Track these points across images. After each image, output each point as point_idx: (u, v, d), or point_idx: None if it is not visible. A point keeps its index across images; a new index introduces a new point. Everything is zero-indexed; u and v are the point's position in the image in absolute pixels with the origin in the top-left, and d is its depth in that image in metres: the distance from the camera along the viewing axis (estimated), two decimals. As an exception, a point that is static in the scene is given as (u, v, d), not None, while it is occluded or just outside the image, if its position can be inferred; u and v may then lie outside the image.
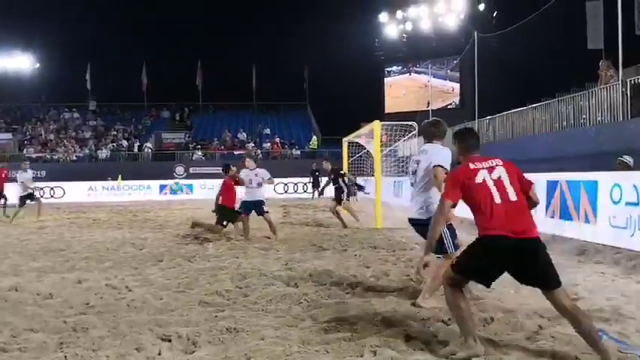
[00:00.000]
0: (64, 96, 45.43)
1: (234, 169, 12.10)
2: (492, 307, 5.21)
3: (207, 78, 45.79)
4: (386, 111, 40.69)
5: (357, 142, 19.64)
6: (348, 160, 20.52)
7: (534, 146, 17.91)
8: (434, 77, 37.52)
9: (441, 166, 5.40)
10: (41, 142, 37.73)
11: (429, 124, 6.06)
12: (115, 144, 37.21)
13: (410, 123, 15.22)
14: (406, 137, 15.52)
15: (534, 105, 19.11)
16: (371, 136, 15.35)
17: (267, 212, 11.56)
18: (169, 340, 4.42)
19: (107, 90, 45.63)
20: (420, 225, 5.47)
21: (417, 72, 41.20)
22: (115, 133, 38.95)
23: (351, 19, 47.69)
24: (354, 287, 6.33)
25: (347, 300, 5.72)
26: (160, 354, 4.18)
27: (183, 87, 46.68)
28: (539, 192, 10.42)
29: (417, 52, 40.43)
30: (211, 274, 7.34)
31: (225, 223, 11.51)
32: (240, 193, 11.71)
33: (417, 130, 15.13)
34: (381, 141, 14.51)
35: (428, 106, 32.80)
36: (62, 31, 48.47)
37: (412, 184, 5.81)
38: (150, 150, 36.60)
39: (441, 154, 5.57)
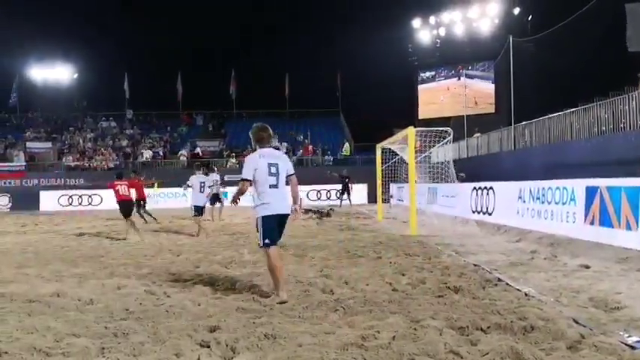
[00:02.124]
0: (102, 105, 46.51)
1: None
2: (532, 316, 5.11)
3: (241, 86, 46.32)
4: (419, 117, 40.46)
5: (390, 149, 19.57)
6: (382, 166, 20.45)
7: (572, 152, 17.60)
8: (470, 82, 37.15)
9: (294, 174, 6.66)
10: (79, 151, 38.51)
11: (261, 129, 6.61)
12: (151, 151, 37.73)
13: (445, 129, 15.06)
14: (441, 143, 15.38)
15: (572, 110, 18.76)
16: (405, 142, 15.27)
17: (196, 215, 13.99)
18: (208, 346, 4.46)
19: (144, 99, 46.55)
20: (287, 217, 6.55)
21: (450, 77, 40.88)
22: (150, 141, 39.50)
23: (383, 25, 47.79)
24: (390, 295, 6.29)
25: (384, 307, 5.69)
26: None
27: (218, 96, 47.32)
28: (578, 198, 10.25)
29: (451, 57, 40.15)
30: (248, 280, 7.40)
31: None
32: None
33: (451, 137, 14.99)
34: (415, 147, 14.40)
35: (462, 112, 32.51)
36: (100, 41, 49.59)
37: (274, 185, 6.35)
38: (185, 158, 37.04)
39: (287, 159, 6.71)
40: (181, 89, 45.89)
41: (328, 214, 19.70)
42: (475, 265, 8.26)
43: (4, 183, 33.94)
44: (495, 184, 14.97)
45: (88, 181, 33.44)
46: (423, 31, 41.27)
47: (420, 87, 42.70)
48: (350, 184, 28.19)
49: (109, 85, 47.47)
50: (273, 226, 6.36)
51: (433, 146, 15.81)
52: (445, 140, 15.00)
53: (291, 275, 7.61)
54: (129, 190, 14.49)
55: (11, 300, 6.37)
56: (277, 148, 22.18)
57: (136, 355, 4.30)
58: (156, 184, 32.24)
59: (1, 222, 19.56)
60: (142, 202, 18.17)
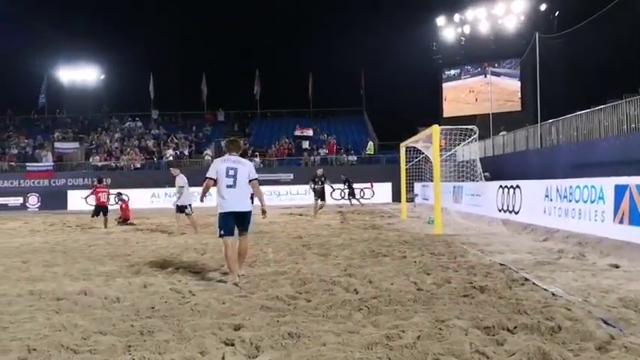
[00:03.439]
0: (128, 105, 47.12)
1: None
2: (560, 316, 5.03)
3: (265, 86, 46.52)
4: (444, 115, 40.19)
5: (414, 147, 19.45)
6: (406, 165, 20.34)
7: (600, 150, 17.29)
8: (495, 80, 36.76)
9: (257, 178, 7.75)
10: (106, 151, 39.02)
11: (230, 142, 8.12)
12: (176, 151, 38.06)
13: (470, 127, 14.90)
14: (466, 141, 15.22)
15: (600, 107, 18.44)
16: (429, 140, 15.16)
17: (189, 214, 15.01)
18: (232, 345, 4.48)
19: (169, 99, 47.04)
20: (248, 214, 7.67)
21: (476, 75, 40.50)
22: (176, 141, 39.85)
23: (407, 23, 47.55)
24: (415, 294, 6.24)
25: (408, 307, 5.65)
26: (223, 358, 4.23)
27: (242, 96, 47.58)
28: (607, 197, 10.06)
29: (476, 55, 39.80)
30: (272, 279, 7.41)
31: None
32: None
33: (477, 135, 14.83)
34: (440, 145, 14.29)
35: (487, 110, 32.17)
36: (126, 43, 50.20)
37: (231, 186, 7.40)
38: (210, 157, 37.29)
39: (252, 166, 7.83)
40: (206, 89, 46.29)
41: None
42: (501, 264, 8.17)
43: (34, 183, 34.54)
44: (521, 183, 14.77)
45: (115, 180, 33.91)
46: (448, 29, 40.97)
47: (445, 85, 42.40)
48: (352, 185, 28.52)
49: (134, 85, 48.09)
50: (227, 221, 7.42)
51: (458, 144, 15.67)
52: (471, 138, 14.85)
53: (314, 274, 7.62)
54: (107, 197, 17.83)
55: (40, 297, 6.48)
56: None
57: (162, 352, 4.33)
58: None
59: (30, 221, 19.90)
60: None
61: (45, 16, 50.59)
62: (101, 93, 48.85)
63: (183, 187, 14.80)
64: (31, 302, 6.25)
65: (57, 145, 38.88)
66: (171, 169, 15.98)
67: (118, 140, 41.11)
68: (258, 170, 27.59)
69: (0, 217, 19.16)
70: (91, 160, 37.37)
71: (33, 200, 33.07)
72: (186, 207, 14.94)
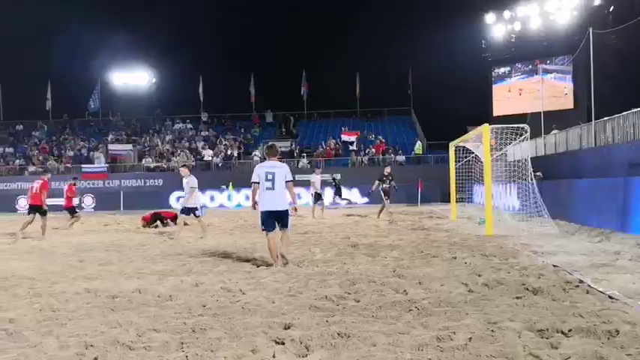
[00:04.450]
0: (178, 108, 48.10)
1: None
2: (617, 319, 4.88)
3: (312, 87, 46.74)
4: (494, 114, 39.48)
5: (464, 147, 19.18)
6: (455, 165, 20.08)
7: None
8: (547, 78, 35.89)
9: (292, 180, 8.80)
10: (157, 153, 39.88)
11: (269, 148, 9.33)
12: (225, 153, 38.60)
13: (522, 125, 14.57)
14: (517, 140, 14.90)
15: (658, 104, 17.76)
16: (479, 140, 14.92)
17: (199, 216, 14.58)
18: (283, 343, 4.51)
19: (218, 101, 47.81)
20: (285, 212, 8.70)
21: (527, 73, 39.64)
22: (225, 142, 40.42)
23: (456, 21, 46.92)
24: (466, 296, 6.16)
25: (459, 308, 5.58)
26: (274, 356, 4.27)
27: (290, 97, 47.94)
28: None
29: (527, 52, 38.96)
30: (320, 279, 7.43)
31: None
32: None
33: (528, 134, 14.51)
34: (490, 145, 14.04)
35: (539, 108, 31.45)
36: (176, 47, 51.25)
37: (270, 188, 8.53)
38: (258, 158, 37.68)
39: (287, 169, 8.82)
40: (254, 91, 46.81)
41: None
42: (555, 266, 7.97)
43: (89, 184, 35.60)
44: (575, 182, 14.40)
45: (167, 181, 34.67)
46: (497, 27, 40.22)
47: (495, 83, 41.64)
48: (339, 185, 28.32)
49: (184, 88, 49.05)
50: (268, 218, 8.60)
51: (509, 144, 15.36)
52: (522, 137, 14.53)
53: (363, 275, 7.61)
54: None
55: (96, 295, 6.68)
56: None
57: (214, 350, 4.40)
58: (231, 185, 33.21)
59: (85, 221, 20.51)
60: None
61: (98, 22, 52.17)
62: (152, 96, 50.04)
63: (194, 187, 14.23)
64: (87, 300, 6.45)
65: (111, 147, 39.98)
66: (180, 169, 15.14)
67: (169, 142, 41.98)
68: (305, 171, 27.77)
69: (57, 217, 19.84)
70: (143, 161, 38.28)
71: (88, 201, 34.05)
72: (196, 208, 14.50)
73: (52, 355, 4.37)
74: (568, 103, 37.30)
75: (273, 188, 8.54)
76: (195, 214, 14.47)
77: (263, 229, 8.66)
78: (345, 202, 29.10)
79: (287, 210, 8.75)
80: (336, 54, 55.57)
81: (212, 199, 33.29)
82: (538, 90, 34.06)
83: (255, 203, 8.84)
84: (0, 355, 4.43)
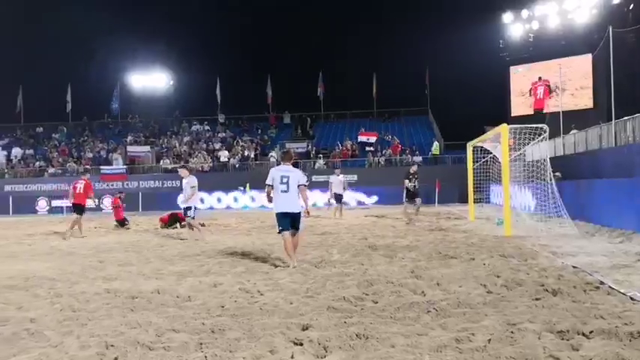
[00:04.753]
0: (196, 110, 48.43)
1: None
2: (639, 321, 4.82)
3: (329, 88, 46.77)
4: (512, 114, 39.15)
5: (481, 147, 19.05)
6: (473, 165, 19.96)
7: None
8: (566, 77, 35.50)
9: (305, 184, 9.20)
10: (175, 154, 40.12)
11: (284, 153, 9.98)
12: (242, 154, 38.73)
13: (540, 125, 14.44)
14: (536, 140, 14.77)
15: (680, 103, 17.50)
16: (497, 140, 14.82)
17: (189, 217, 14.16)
18: (301, 344, 4.52)
19: (235, 103, 48.04)
20: (297, 214, 9.08)
21: (545, 72, 39.26)
22: (242, 144, 40.58)
23: (472, 21, 46.69)
24: (484, 297, 6.12)
25: (478, 310, 5.54)
26: (292, 357, 4.28)
27: (306, 98, 48.02)
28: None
29: (545, 51, 38.55)
30: (338, 280, 7.43)
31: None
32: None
33: (547, 134, 14.37)
34: (509, 145, 13.94)
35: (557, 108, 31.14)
36: (194, 49, 51.61)
37: (285, 191, 8.95)
38: (275, 159, 37.77)
39: (301, 174, 9.30)
40: (270, 92, 46.96)
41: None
42: (574, 267, 7.89)
43: (108, 185, 35.92)
44: (595, 183, 14.24)
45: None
46: (515, 26, 39.87)
47: (513, 83, 41.28)
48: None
49: (202, 90, 49.38)
50: (283, 219, 8.98)
51: (527, 144, 15.23)
52: (540, 137, 14.39)
53: (381, 276, 7.60)
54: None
55: (116, 296, 6.74)
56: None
57: (232, 350, 4.42)
58: (247, 185, 33.31)
59: (104, 222, 20.67)
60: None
61: (117, 25, 52.67)
62: (170, 98, 50.41)
63: (194, 187, 13.98)
64: (107, 300, 6.52)
65: (129, 148, 40.30)
66: (180, 170, 14.94)
67: (186, 144, 42.23)
68: (321, 172, 27.80)
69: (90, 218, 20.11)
70: (161, 163, 38.55)
71: (107, 202, 34.34)
72: (190, 208, 14.03)
73: (73, 355, 4.42)
74: (588, 103, 36.88)
75: (287, 191, 8.96)
76: (186, 214, 14.26)
77: (279, 231, 9.02)
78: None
79: (299, 212, 9.12)
80: (353, 55, 55.64)
81: (235, 199, 33.42)
82: (557, 90, 33.75)
83: (269, 200, 9.21)
84: (22, 354, 4.50)
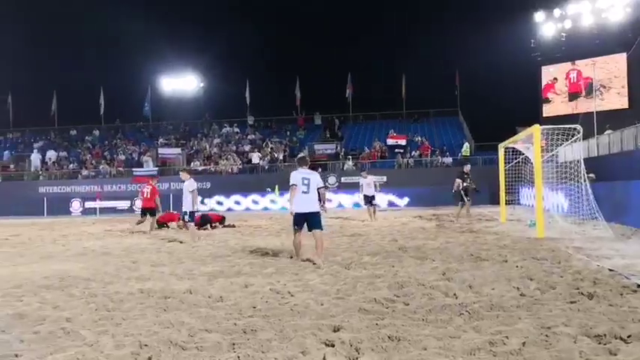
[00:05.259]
0: (225, 112, 48.83)
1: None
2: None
3: (357, 89, 46.67)
4: (544, 114, 38.58)
5: (513, 148, 18.80)
6: (504, 166, 19.71)
7: None
8: (600, 77, 34.86)
9: (324, 187, 10.07)
10: (205, 156, 40.49)
11: (300, 159, 10.46)
12: (271, 156, 38.89)
13: (574, 126, 14.20)
14: (569, 141, 14.52)
15: None
16: (529, 141, 14.61)
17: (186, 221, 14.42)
18: (333, 346, 4.51)
19: (264, 105, 48.31)
20: (316, 213, 9.67)
21: (578, 72, 38.61)
22: (271, 145, 40.75)
23: (503, 20, 46.19)
24: (518, 300, 6.04)
25: (511, 312, 5.47)
26: (324, 359, 4.27)
27: (335, 99, 48.06)
28: None
29: (578, 51, 37.92)
30: (368, 281, 7.41)
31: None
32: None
33: (581, 134, 14.12)
34: (541, 146, 13.73)
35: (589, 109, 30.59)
36: (223, 52, 52.06)
37: (305, 192, 9.61)
38: (304, 161, 37.84)
39: (319, 176, 10.00)
40: (299, 94, 47.08)
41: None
42: (610, 270, 7.73)
43: (140, 187, 36.40)
44: (631, 184, 13.94)
45: (214, 184, 35.18)
46: (547, 25, 39.29)
47: (545, 83, 40.69)
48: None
49: (231, 92, 49.76)
50: (300, 219, 9.65)
51: (560, 145, 14.98)
52: (574, 138, 14.15)
53: (412, 278, 7.55)
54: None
55: (149, 296, 6.82)
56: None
57: (265, 351, 4.44)
58: (277, 188, 33.43)
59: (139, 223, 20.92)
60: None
61: (148, 29, 53.43)
62: (200, 100, 50.90)
63: (193, 190, 14.04)
64: (141, 300, 6.60)
65: (160, 150, 40.84)
66: (180, 173, 15.26)
67: (216, 146, 42.58)
68: (350, 173, 27.74)
69: (110, 220, 20.41)
70: (192, 164, 38.92)
71: (139, 204, 34.80)
72: (186, 213, 14.18)
73: (108, 354, 4.48)
74: (623, 102, 36.16)
75: (308, 192, 9.66)
76: (183, 219, 14.63)
77: (294, 229, 9.81)
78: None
79: (318, 212, 9.75)
80: (382, 55, 55.50)
81: (273, 201, 33.59)
82: (591, 90, 33.17)
83: (292, 202, 9.77)
84: (59, 352, 4.58)
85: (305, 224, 9.68)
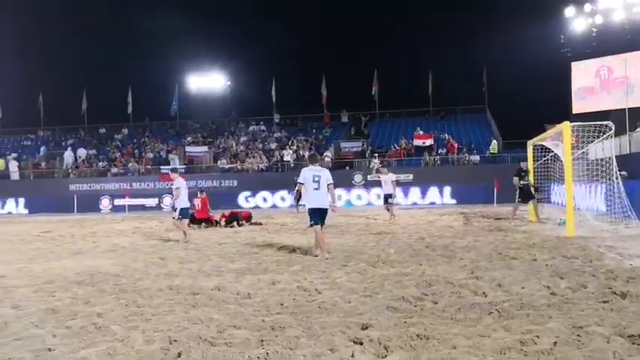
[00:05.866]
0: (252, 110, 49.02)
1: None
2: None
3: (384, 86, 46.45)
4: (574, 111, 37.95)
5: (541, 146, 18.51)
6: (533, 164, 19.43)
7: None
8: (632, 72, 34.15)
9: (332, 183, 10.24)
10: (232, 154, 40.72)
11: (311, 156, 11.13)
12: (297, 154, 38.94)
13: (605, 123, 13.93)
14: (600, 138, 14.25)
15: None
16: (559, 138, 14.38)
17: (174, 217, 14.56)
18: (361, 343, 4.51)
19: (290, 103, 48.39)
20: (326, 210, 10.14)
21: (609, 68, 37.90)
22: (297, 143, 40.81)
23: (532, 16, 45.52)
24: (548, 299, 5.95)
25: (542, 312, 5.39)
26: (353, 356, 4.27)
27: (361, 97, 47.88)
28: None
29: (609, 46, 37.17)
30: (396, 279, 7.38)
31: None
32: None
33: (612, 131, 13.84)
34: (571, 143, 13.49)
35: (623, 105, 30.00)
36: (250, 50, 52.28)
37: (316, 189, 10.02)
38: (329, 159, 37.82)
39: (329, 173, 10.35)
40: (325, 92, 47.05)
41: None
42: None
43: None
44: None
45: (241, 182, 35.36)
46: (577, 20, 38.64)
47: (574, 79, 40.01)
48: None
49: (257, 90, 49.96)
50: (315, 214, 10.06)
51: (591, 142, 14.71)
52: (605, 135, 13.88)
53: (440, 276, 7.50)
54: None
55: (178, 292, 6.89)
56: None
57: (293, 348, 4.45)
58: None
59: (165, 220, 21.18)
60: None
61: (175, 28, 53.95)
62: (227, 98, 51.20)
63: (178, 188, 14.23)
64: (170, 296, 6.67)
65: (188, 149, 41.17)
66: (170, 173, 15.46)
67: (243, 144, 42.80)
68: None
69: (140, 217, 20.71)
70: (218, 163, 39.18)
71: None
72: (176, 209, 14.39)
73: (138, 349, 4.54)
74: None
75: (318, 189, 10.05)
76: (173, 215, 14.73)
77: (312, 224, 10.15)
78: (302, 207, 27.70)
79: (328, 208, 10.18)
80: (408, 52, 55.11)
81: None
82: (622, 85, 32.56)
83: (298, 199, 10.64)
84: (91, 347, 4.65)
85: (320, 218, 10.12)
